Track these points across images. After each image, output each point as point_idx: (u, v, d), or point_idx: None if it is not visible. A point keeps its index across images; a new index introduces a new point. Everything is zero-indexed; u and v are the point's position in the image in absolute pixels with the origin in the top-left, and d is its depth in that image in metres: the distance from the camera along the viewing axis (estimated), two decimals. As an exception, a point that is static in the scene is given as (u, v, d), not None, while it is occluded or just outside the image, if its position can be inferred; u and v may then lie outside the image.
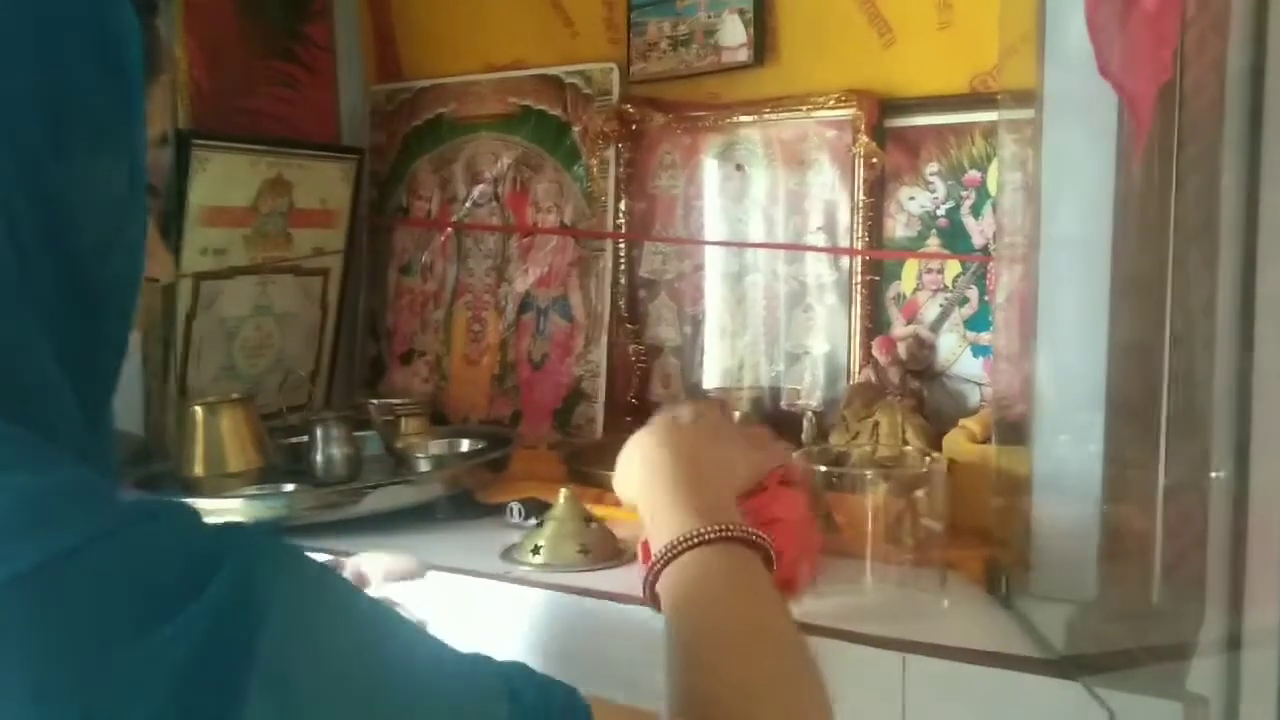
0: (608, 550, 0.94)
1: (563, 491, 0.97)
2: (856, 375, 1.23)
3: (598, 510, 1.00)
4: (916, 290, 1.23)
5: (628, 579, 0.89)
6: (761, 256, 1.32)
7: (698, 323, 1.37)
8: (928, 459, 0.87)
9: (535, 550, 0.93)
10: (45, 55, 0.47)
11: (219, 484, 1.12)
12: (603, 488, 1.11)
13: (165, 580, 0.39)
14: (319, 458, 1.14)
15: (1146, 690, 0.67)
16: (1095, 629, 0.72)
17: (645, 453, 0.79)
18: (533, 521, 1.01)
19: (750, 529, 0.69)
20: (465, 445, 1.24)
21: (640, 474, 0.78)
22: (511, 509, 1.06)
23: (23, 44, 0.46)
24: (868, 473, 0.85)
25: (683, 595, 0.66)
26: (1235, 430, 0.73)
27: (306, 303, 1.47)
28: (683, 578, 0.67)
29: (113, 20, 0.50)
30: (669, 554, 0.67)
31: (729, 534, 0.67)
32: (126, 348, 0.56)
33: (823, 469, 0.86)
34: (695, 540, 0.67)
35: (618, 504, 1.07)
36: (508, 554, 0.96)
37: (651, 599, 0.69)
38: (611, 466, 1.13)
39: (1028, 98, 0.85)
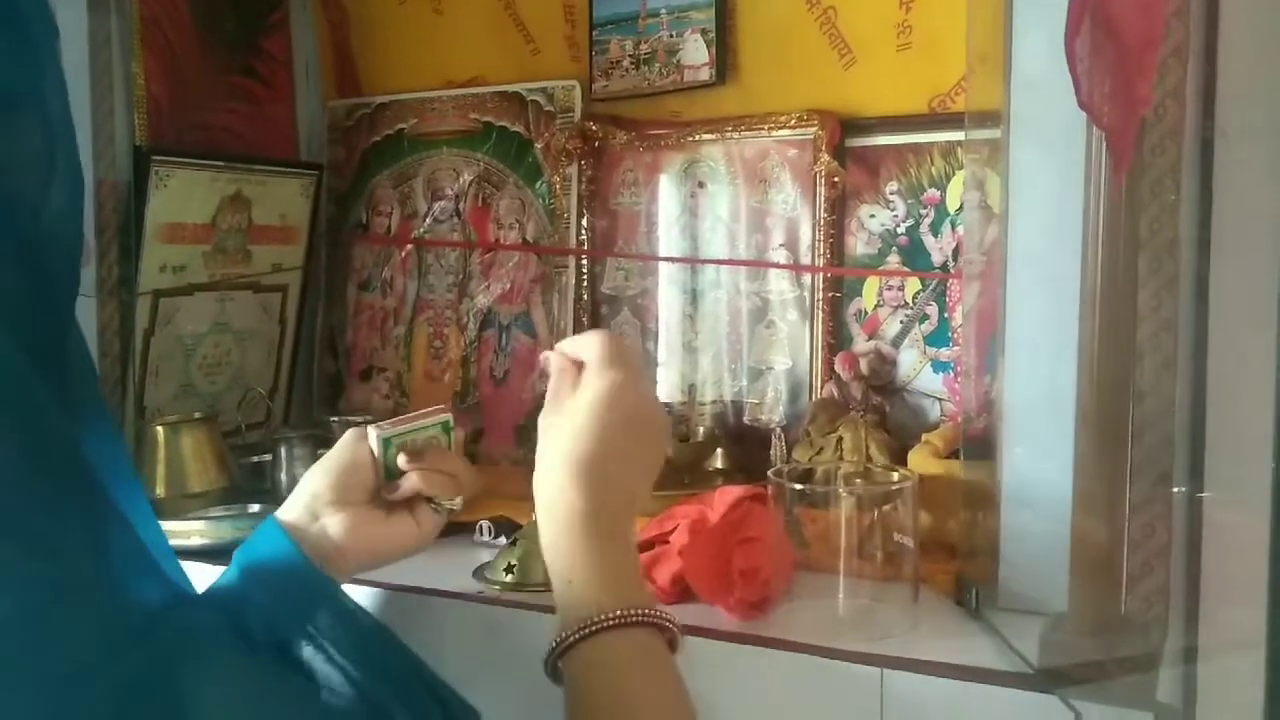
0: (581, 568, 0.94)
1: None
2: (819, 390, 1.25)
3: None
4: (877, 306, 1.24)
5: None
6: (724, 273, 1.33)
7: (660, 339, 1.38)
8: (897, 474, 0.89)
9: (508, 570, 0.93)
10: None
11: (181, 505, 1.10)
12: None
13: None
14: (284, 477, 1.13)
15: (1120, 701, 0.68)
16: (1066, 641, 0.73)
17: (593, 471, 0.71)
18: (502, 540, 1.00)
19: (656, 611, 0.66)
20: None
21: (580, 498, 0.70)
22: (481, 527, 1.05)
23: None
24: (841, 490, 0.86)
25: (589, 694, 0.65)
26: (1190, 445, 0.75)
27: (265, 319, 1.46)
28: (591, 663, 0.65)
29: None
30: (575, 637, 0.65)
31: (642, 618, 0.66)
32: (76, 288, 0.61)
33: (795, 486, 0.86)
34: (602, 625, 0.65)
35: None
36: (479, 573, 0.96)
37: (553, 673, 0.67)
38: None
39: (992, 118, 0.87)
